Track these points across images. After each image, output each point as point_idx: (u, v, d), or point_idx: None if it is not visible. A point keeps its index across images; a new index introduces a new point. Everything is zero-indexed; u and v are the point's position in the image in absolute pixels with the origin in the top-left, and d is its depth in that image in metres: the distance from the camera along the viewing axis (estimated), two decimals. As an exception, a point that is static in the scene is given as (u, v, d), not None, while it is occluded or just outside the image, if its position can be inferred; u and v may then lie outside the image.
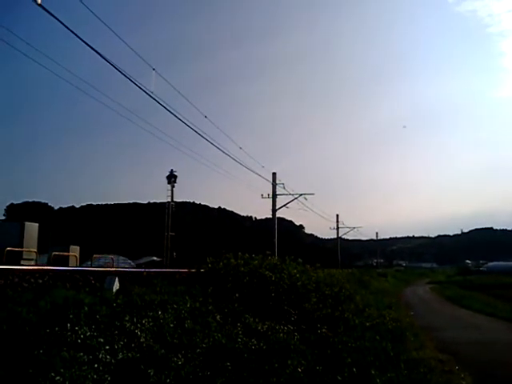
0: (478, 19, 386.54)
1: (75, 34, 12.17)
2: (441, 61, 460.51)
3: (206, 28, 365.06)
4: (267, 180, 37.99)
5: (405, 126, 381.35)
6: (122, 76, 14.64)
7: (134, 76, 15.20)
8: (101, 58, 13.42)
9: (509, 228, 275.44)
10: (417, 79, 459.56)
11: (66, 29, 11.80)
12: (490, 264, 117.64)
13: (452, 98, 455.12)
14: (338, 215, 73.62)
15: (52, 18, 11.38)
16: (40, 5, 11.12)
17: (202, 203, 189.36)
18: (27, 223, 27.46)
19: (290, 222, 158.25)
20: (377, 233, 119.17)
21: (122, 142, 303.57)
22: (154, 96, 16.77)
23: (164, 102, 17.41)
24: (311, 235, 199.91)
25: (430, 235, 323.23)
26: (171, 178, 50.88)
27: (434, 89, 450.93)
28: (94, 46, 12.92)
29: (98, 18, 14.27)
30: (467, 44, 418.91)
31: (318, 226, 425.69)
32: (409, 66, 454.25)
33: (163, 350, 8.18)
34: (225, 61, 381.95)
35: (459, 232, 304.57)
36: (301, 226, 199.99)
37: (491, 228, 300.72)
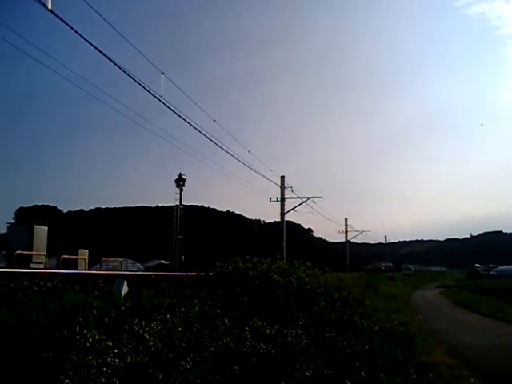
0: (487, 22, 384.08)
1: (85, 40, 12.24)
2: (449, 64, 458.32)
3: (211, 32, 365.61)
4: (275, 183, 38.06)
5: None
6: (130, 79, 14.72)
7: (141, 79, 15.27)
8: (107, 61, 13.50)
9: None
10: (425, 82, 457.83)
11: (71, 31, 11.87)
12: (500, 268, 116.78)
13: (461, 101, 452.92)
14: (346, 219, 73.73)
15: (59, 20, 11.46)
16: (50, 10, 11.19)
17: (210, 206, 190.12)
18: (36, 226, 27.64)
19: (299, 225, 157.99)
20: (385, 236, 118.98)
21: (130, 146, 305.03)
22: (163, 100, 16.86)
23: (172, 105, 17.50)
24: (320, 239, 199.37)
25: (439, 239, 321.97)
26: (180, 182, 51.07)
27: (443, 92, 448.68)
28: (100, 49, 12.99)
29: (108, 23, 14.36)
30: (476, 47, 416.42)
31: (327, 230, 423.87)
32: (417, 69, 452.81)
33: (171, 354, 8.18)
34: (232, 65, 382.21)
35: (468, 236, 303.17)
36: (309, 230, 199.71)
37: (501, 231, 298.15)
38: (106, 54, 13.25)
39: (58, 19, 11.35)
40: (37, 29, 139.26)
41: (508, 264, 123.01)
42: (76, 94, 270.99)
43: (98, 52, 12.89)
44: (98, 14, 13.58)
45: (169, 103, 17.21)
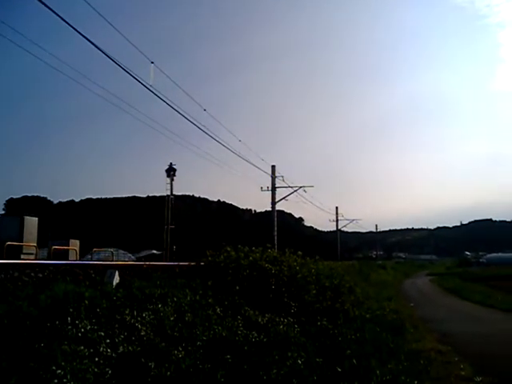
0: (476, 10, 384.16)
1: (74, 29, 12.13)
2: (437, 52, 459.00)
3: (202, 20, 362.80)
4: (266, 173, 38.07)
5: None
6: (119, 67, 14.62)
7: (131, 68, 15.17)
8: (96, 50, 13.39)
9: (508, 219, 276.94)
10: (414, 70, 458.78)
11: (61, 20, 11.76)
12: (490, 255, 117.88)
13: (450, 90, 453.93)
14: (337, 207, 73.90)
15: (48, 10, 11.33)
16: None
17: (201, 196, 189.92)
18: (27, 217, 27.51)
19: (290, 214, 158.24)
20: (376, 225, 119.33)
21: (120, 136, 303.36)
22: (153, 90, 16.77)
23: (162, 94, 17.41)
24: (311, 228, 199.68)
25: (430, 227, 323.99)
26: (170, 172, 50.81)
27: (432, 80, 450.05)
28: (89, 38, 12.88)
29: (97, 12, 14.25)
30: (464, 35, 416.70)
31: (318, 219, 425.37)
32: (405, 57, 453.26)
33: (164, 343, 8.20)
34: (222, 52, 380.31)
35: (458, 224, 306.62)
36: (300, 219, 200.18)
37: (490, 219, 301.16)
38: (95, 42, 13.15)
39: (45, 8, 11.24)
40: (24, 18, 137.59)
41: (497, 251, 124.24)
42: (64, 83, 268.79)
43: (87, 41, 12.80)
44: (87, 2, 13.46)
45: (159, 92, 17.12)
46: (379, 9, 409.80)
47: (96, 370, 6.50)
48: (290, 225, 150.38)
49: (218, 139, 24.97)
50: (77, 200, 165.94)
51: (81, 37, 12.57)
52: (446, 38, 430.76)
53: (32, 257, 24.41)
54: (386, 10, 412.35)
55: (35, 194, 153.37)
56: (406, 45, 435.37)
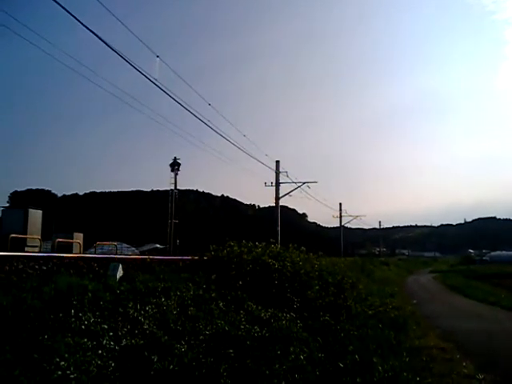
0: (483, 6, 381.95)
1: (78, 21, 12.11)
2: (443, 48, 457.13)
3: (205, 14, 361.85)
4: (271, 168, 38.03)
5: None
6: (124, 61, 14.59)
7: (135, 61, 15.14)
8: (101, 44, 13.37)
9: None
10: (419, 66, 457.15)
11: (66, 13, 11.74)
12: (493, 253, 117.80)
13: (455, 86, 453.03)
14: (340, 204, 73.73)
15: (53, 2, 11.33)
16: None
17: (205, 191, 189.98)
18: (31, 210, 27.60)
19: (293, 210, 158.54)
20: (380, 222, 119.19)
21: (125, 129, 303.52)
22: (158, 84, 16.75)
23: (167, 88, 17.38)
24: (314, 223, 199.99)
25: (433, 224, 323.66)
26: (174, 166, 50.93)
27: (437, 76, 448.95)
28: (94, 31, 12.86)
29: (102, 5, 14.21)
30: (471, 32, 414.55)
31: (321, 215, 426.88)
32: (411, 54, 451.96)
33: (166, 337, 8.22)
34: (225, 47, 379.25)
35: (462, 221, 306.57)
36: (304, 215, 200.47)
37: (494, 217, 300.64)
38: (99, 35, 13.14)
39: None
40: (27, 8, 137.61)
41: (501, 249, 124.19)
42: (70, 76, 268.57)
43: (91, 34, 12.79)
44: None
45: (164, 86, 17.10)
46: (385, 5, 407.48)
47: (99, 362, 6.52)
48: (294, 220, 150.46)
49: (222, 134, 24.95)
50: (81, 193, 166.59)
51: (83, 30, 12.56)
52: (452, 34, 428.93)
53: (36, 249, 24.47)
54: (392, 7, 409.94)
55: (39, 187, 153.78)
56: (412, 41, 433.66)
